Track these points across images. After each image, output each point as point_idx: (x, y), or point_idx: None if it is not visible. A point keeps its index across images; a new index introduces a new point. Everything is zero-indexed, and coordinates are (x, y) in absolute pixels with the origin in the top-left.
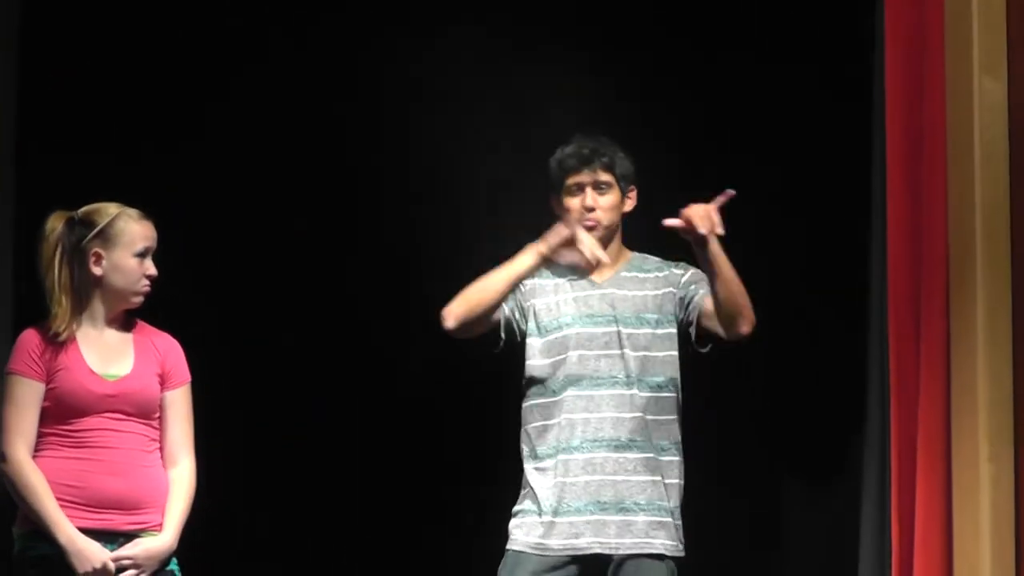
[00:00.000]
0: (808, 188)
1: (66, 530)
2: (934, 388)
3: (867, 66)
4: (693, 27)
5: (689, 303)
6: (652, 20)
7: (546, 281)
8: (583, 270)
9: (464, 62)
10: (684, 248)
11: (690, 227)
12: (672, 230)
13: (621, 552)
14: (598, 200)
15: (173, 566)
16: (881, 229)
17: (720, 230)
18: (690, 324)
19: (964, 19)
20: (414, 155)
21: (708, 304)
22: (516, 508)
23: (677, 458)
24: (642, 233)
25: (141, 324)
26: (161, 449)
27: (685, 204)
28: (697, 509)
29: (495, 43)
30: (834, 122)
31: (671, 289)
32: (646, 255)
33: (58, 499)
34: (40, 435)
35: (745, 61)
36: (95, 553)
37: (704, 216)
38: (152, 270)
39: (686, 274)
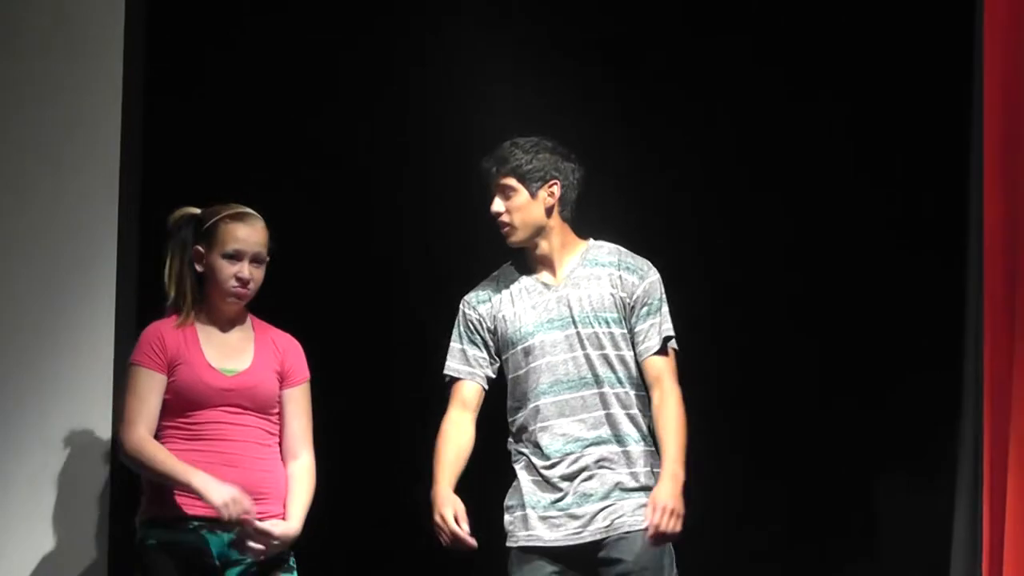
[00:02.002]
0: (908, 184)
1: (197, 474)
2: None
3: (966, 42)
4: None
5: (633, 335)
6: None
7: (503, 293)
8: (536, 274)
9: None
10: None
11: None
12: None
13: (612, 535)
14: (503, 205)
15: (291, 560)
16: (978, 226)
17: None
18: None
19: None
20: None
21: (649, 369)
22: (508, 503)
23: (645, 447)
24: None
25: (262, 323)
26: (280, 444)
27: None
28: (797, 501)
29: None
30: (936, 102)
31: (623, 296)
32: (602, 243)
33: (177, 491)
34: (159, 428)
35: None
36: (228, 487)
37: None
38: (243, 272)
39: (638, 290)
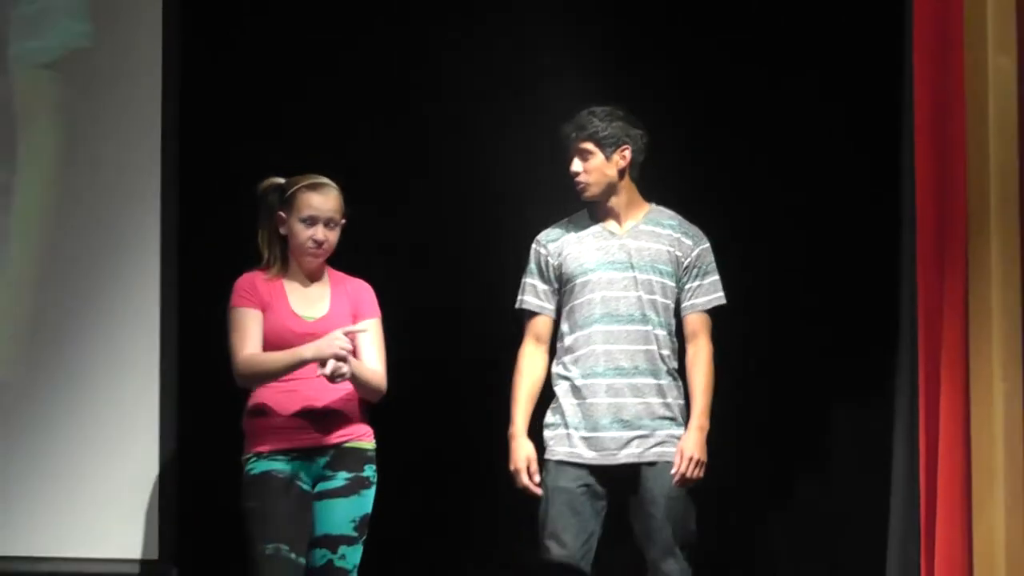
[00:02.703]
0: (850, 153)
1: (300, 349)
2: (955, 320)
3: (898, 50)
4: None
5: (680, 292)
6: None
7: (571, 234)
8: (603, 223)
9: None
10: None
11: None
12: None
13: (643, 461)
14: (581, 166)
15: (370, 472)
16: (910, 187)
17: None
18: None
19: (980, 5)
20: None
21: (690, 324)
22: (548, 420)
23: (679, 382)
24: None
25: (338, 274)
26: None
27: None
28: (742, 429)
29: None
30: (869, 98)
31: (679, 255)
32: (663, 208)
33: (273, 426)
34: None
35: (785, 47)
36: (330, 336)
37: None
38: (317, 235)
39: (693, 253)
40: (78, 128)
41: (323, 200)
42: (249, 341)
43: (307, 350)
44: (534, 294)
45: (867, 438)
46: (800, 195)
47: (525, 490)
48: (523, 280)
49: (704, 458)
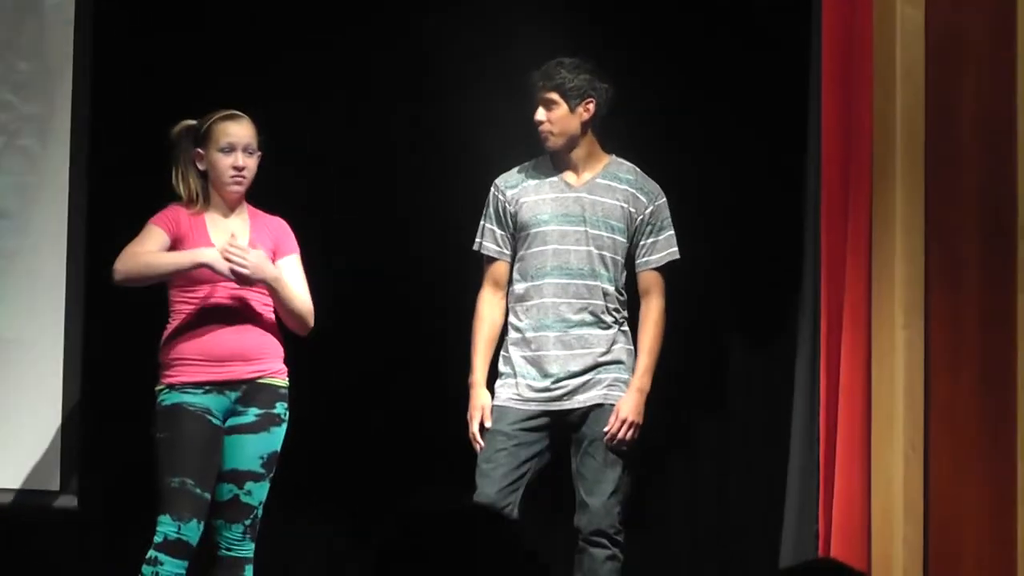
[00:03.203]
0: (758, 96)
1: (187, 253)
2: (858, 264)
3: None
4: None
5: (634, 248)
6: None
7: (529, 182)
8: (561, 174)
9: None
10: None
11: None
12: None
13: (586, 405)
14: (546, 115)
15: (282, 410)
16: (817, 131)
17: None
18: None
19: None
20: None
21: (643, 280)
22: (501, 370)
23: (628, 332)
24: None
25: (256, 210)
26: (286, 320)
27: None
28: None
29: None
30: (779, 43)
31: (633, 211)
32: (622, 161)
33: (188, 358)
34: (170, 303)
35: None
36: (238, 248)
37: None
38: (238, 162)
39: (647, 210)
40: None
41: (239, 128)
42: (140, 247)
43: (206, 255)
44: (492, 239)
45: (771, 379)
46: (714, 140)
47: (472, 439)
48: (481, 223)
49: (639, 420)
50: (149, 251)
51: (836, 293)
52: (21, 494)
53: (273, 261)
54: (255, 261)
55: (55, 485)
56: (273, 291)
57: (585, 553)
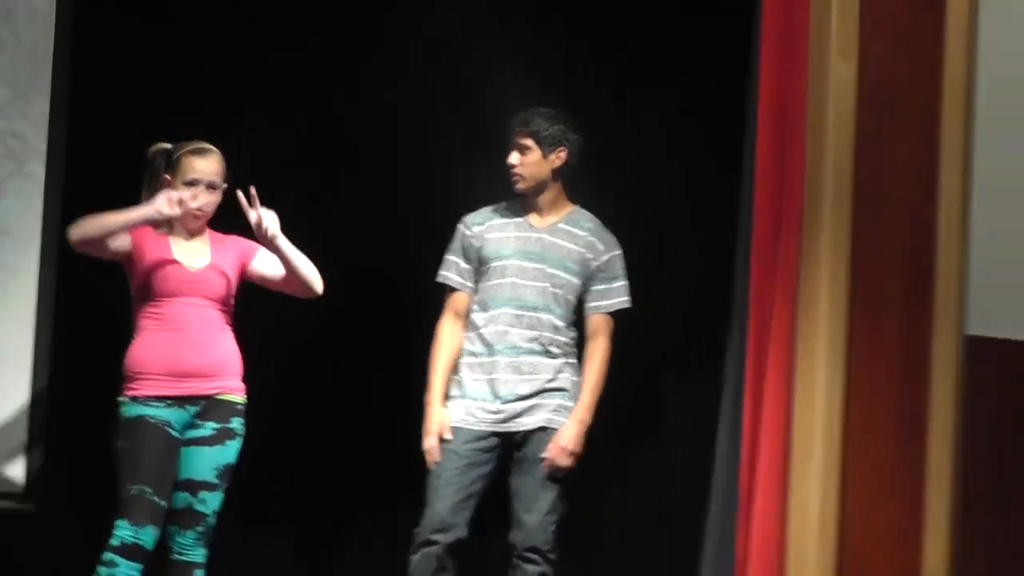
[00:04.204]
0: (695, 141)
1: (136, 208)
2: (785, 302)
3: (747, 51)
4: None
5: (586, 293)
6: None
7: (495, 220)
8: (526, 216)
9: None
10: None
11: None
12: None
13: (530, 428)
14: (519, 159)
15: (237, 424)
16: (751, 176)
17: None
18: (580, 303)
19: (825, 11)
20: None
21: (592, 322)
22: (452, 394)
23: (567, 361)
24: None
25: (217, 234)
26: (297, 287)
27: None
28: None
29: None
30: (718, 89)
31: (589, 257)
32: (584, 211)
33: (151, 373)
34: (136, 318)
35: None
36: (159, 196)
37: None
38: (199, 199)
39: (603, 258)
40: None
41: (206, 164)
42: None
43: (153, 205)
44: (456, 271)
45: (699, 409)
46: (654, 185)
47: (428, 453)
48: (446, 256)
49: (578, 450)
50: (93, 217)
51: (762, 333)
52: None
53: (244, 270)
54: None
55: (18, 487)
56: (279, 251)
57: (518, 569)
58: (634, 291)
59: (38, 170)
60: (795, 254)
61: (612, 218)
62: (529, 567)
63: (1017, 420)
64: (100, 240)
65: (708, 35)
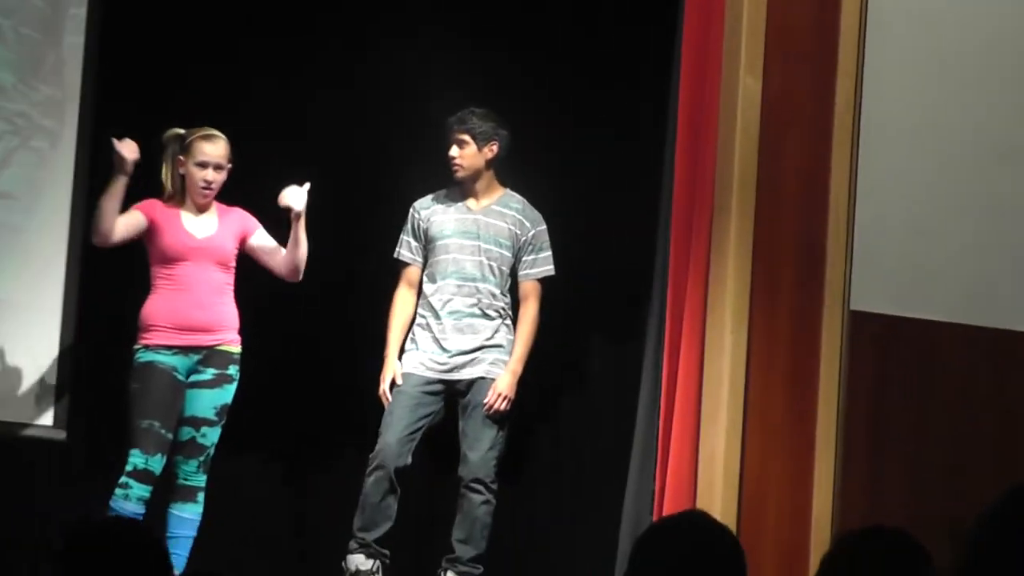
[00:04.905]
0: (625, 143)
1: (111, 178)
2: (697, 282)
3: (668, 64)
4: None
5: (518, 263)
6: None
7: (438, 205)
8: (465, 200)
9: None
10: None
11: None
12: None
13: (472, 377)
14: (458, 152)
15: (234, 371)
16: (671, 175)
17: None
18: (513, 273)
19: (735, 33)
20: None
21: (523, 288)
22: (407, 348)
23: (503, 322)
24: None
25: (223, 206)
26: (286, 267)
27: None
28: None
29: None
30: (644, 100)
31: (518, 232)
32: (513, 194)
33: (161, 325)
34: (151, 277)
35: (581, 69)
36: (119, 145)
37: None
38: (208, 176)
39: (530, 233)
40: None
41: (213, 147)
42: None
43: (115, 147)
44: (408, 248)
45: (623, 371)
46: (587, 181)
47: (382, 396)
48: (401, 236)
49: (512, 395)
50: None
51: (678, 305)
52: (18, 426)
53: (244, 242)
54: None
55: (49, 421)
56: (296, 228)
57: (465, 498)
58: (574, 271)
59: (69, 152)
60: (706, 240)
61: (557, 207)
62: (474, 496)
63: (891, 383)
64: (107, 227)
65: (637, 47)
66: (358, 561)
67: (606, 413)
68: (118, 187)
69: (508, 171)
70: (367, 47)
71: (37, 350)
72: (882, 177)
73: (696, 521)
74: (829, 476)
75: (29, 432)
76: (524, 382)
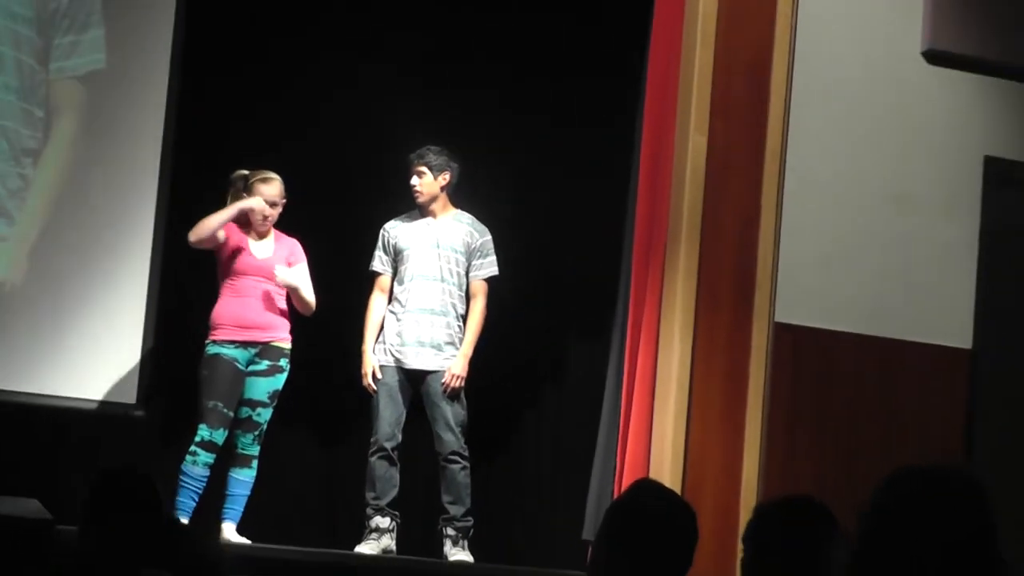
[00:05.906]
0: (594, 185)
1: (229, 207)
2: (653, 299)
3: (631, 124)
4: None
5: (469, 267)
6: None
7: (404, 224)
8: (425, 219)
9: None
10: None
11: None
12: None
13: (430, 368)
14: (418, 181)
15: (285, 363)
16: (633, 211)
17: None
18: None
19: (687, 97)
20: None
21: (473, 286)
22: (380, 340)
23: (458, 321)
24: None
25: (280, 233)
26: (298, 308)
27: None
28: (505, 360)
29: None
30: (610, 148)
31: (469, 241)
32: (463, 212)
33: (226, 324)
34: (219, 285)
35: (551, 112)
36: (252, 199)
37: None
38: (266, 212)
39: (479, 242)
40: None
41: (270, 189)
42: (211, 224)
43: (241, 204)
44: (380, 261)
45: (592, 367)
46: (567, 212)
47: (367, 388)
48: (374, 252)
49: (464, 375)
50: (204, 218)
51: (638, 315)
52: (106, 404)
53: (289, 266)
54: (291, 278)
55: (132, 399)
56: (294, 291)
57: (446, 469)
58: (555, 284)
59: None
60: (661, 264)
61: (543, 233)
62: (453, 466)
63: (805, 380)
64: (210, 236)
65: (606, 97)
66: (377, 520)
67: (579, 401)
68: (232, 215)
69: (511, 199)
70: (345, 89)
71: (124, 344)
72: (802, 216)
73: (653, 489)
74: (755, 453)
75: (113, 410)
76: (472, 365)
